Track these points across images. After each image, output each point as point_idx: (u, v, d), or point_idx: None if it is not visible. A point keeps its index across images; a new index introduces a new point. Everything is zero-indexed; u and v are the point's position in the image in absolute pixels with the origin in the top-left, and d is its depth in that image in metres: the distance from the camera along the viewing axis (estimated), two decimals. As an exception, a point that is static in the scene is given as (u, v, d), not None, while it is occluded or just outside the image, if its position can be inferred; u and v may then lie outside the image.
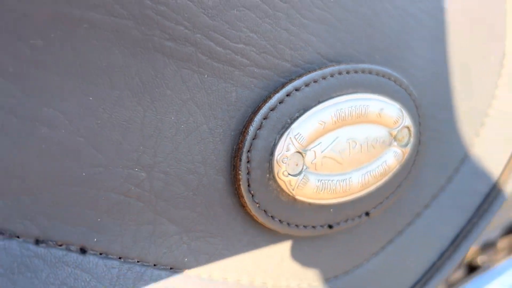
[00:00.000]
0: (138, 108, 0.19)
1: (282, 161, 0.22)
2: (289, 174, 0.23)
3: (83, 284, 0.20)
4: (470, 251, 1.02)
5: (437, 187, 0.30)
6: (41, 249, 0.19)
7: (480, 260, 1.01)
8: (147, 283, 0.21)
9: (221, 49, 0.20)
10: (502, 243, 1.09)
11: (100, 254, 0.20)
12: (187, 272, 0.23)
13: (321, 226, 0.25)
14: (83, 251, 0.20)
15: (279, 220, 0.24)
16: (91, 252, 0.20)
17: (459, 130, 0.30)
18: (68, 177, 0.18)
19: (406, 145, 0.27)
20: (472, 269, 0.99)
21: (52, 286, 0.19)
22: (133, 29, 0.18)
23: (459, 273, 1.05)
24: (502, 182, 0.32)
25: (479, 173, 0.32)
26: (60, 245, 0.19)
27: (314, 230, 0.25)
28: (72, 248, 0.19)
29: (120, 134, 0.19)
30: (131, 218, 0.20)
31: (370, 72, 0.25)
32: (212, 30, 0.20)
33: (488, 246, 1.09)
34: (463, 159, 0.31)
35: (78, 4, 0.17)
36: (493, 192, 0.32)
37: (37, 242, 0.18)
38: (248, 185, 0.22)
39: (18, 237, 0.18)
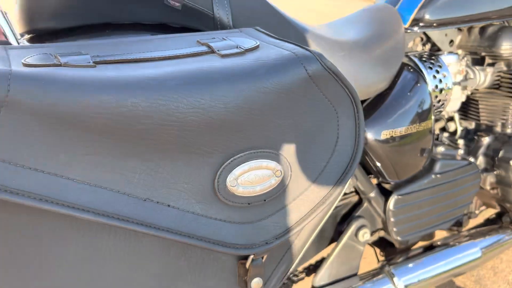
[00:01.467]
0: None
1: (229, 180, 0.71)
2: (231, 186, 0.71)
3: None
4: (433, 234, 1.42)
5: (317, 173, 0.77)
6: None
7: (441, 242, 1.40)
8: None
9: (200, 152, 0.69)
10: (466, 231, 1.46)
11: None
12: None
13: (243, 203, 0.73)
14: None
15: (230, 200, 0.72)
16: None
17: (309, 171, 0.76)
18: None
19: (279, 176, 0.73)
20: (432, 248, 1.38)
21: None
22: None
23: (419, 250, 1.42)
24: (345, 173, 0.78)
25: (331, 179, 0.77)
26: None
27: (245, 205, 0.73)
28: None
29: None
30: None
31: (263, 151, 0.72)
32: (206, 145, 0.69)
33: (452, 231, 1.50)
34: (321, 172, 0.77)
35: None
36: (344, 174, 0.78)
37: None
38: (218, 189, 0.71)
39: None
